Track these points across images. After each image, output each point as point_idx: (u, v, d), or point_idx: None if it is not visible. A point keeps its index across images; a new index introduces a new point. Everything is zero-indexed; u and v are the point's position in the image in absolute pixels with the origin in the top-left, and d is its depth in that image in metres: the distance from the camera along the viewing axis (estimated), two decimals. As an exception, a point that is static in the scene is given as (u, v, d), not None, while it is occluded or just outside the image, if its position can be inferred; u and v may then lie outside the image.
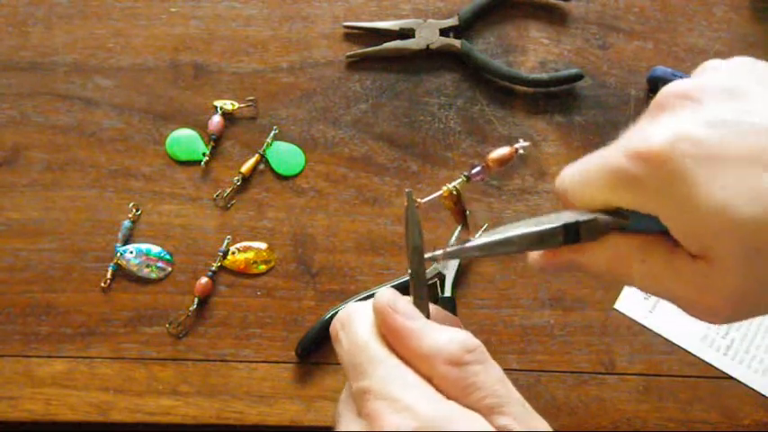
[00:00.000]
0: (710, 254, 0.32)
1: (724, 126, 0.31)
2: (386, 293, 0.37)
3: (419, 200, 0.41)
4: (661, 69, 0.68)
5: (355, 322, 0.37)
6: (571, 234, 0.36)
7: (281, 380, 0.64)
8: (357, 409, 0.35)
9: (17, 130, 0.67)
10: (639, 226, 0.36)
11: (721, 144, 0.31)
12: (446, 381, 0.34)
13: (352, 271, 0.65)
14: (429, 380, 0.34)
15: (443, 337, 0.35)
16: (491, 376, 0.34)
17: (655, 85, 0.68)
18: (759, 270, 0.31)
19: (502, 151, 0.50)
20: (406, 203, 0.39)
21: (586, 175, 0.36)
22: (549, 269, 0.38)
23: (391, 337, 0.36)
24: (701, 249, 0.32)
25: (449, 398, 0.34)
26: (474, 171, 0.50)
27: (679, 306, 0.35)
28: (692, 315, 0.35)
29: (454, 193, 0.46)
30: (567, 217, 0.37)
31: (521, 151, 0.48)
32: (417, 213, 0.39)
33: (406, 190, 0.40)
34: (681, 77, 0.67)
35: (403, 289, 0.64)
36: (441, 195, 0.47)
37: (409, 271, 0.39)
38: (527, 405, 0.35)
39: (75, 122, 0.67)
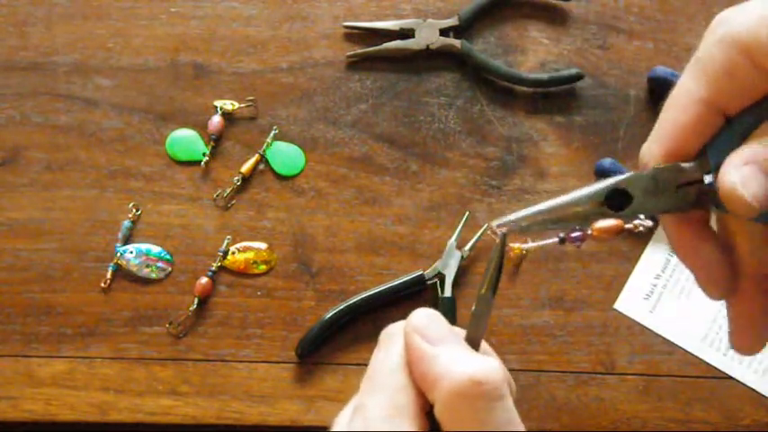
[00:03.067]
0: None
1: None
2: (420, 314, 0.36)
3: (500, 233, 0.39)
4: (661, 69, 0.68)
5: (392, 339, 0.36)
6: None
7: (281, 380, 0.64)
8: (349, 419, 0.34)
9: (17, 130, 0.67)
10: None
11: None
12: (444, 413, 0.33)
13: (352, 271, 0.65)
14: (434, 405, 0.33)
15: (458, 365, 0.33)
16: (494, 417, 0.32)
17: (655, 85, 0.68)
18: None
19: (608, 223, 0.46)
20: (498, 241, 0.36)
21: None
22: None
23: (409, 358, 0.34)
24: None
25: (448, 426, 0.32)
26: (573, 235, 0.45)
27: None
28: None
29: (524, 252, 0.42)
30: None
31: (640, 229, 0.43)
32: (503, 257, 0.37)
33: (493, 223, 0.36)
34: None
35: (402, 288, 0.64)
36: (511, 251, 0.43)
37: (473, 309, 0.37)
38: None
39: (75, 122, 0.67)
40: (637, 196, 0.35)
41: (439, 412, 0.33)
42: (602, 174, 0.66)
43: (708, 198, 0.35)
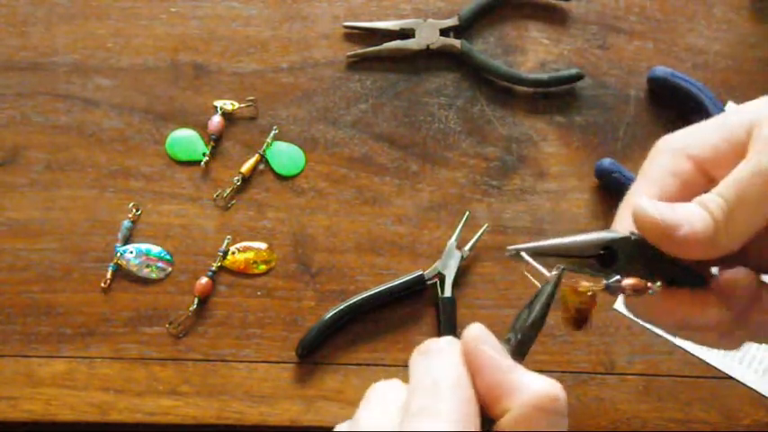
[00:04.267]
0: None
1: None
2: (480, 327, 0.35)
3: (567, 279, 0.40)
4: (661, 69, 0.68)
5: (454, 353, 0.35)
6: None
7: (281, 380, 0.64)
8: (402, 422, 0.33)
9: (17, 130, 0.67)
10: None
11: None
12: (520, 422, 0.32)
13: (352, 271, 0.65)
14: (502, 414, 0.33)
15: (533, 376, 0.34)
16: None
17: (655, 85, 0.68)
18: None
19: (633, 281, 0.45)
20: (554, 281, 0.38)
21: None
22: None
23: (476, 366, 0.34)
24: None
25: None
26: (617, 284, 0.44)
27: None
28: None
29: (593, 296, 0.41)
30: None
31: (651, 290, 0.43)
32: (554, 295, 0.38)
33: (561, 267, 0.39)
34: (681, 78, 0.67)
35: (402, 288, 0.64)
36: (581, 296, 0.43)
37: (518, 338, 0.38)
38: None
39: (75, 122, 0.67)
40: (621, 259, 0.37)
41: (509, 424, 0.32)
42: (601, 174, 0.66)
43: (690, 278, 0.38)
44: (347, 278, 0.65)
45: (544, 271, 0.37)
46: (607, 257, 0.37)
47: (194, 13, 0.70)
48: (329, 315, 0.63)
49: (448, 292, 0.64)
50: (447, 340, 0.35)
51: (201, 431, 0.63)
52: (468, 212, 0.66)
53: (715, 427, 0.63)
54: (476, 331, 0.35)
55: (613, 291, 0.39)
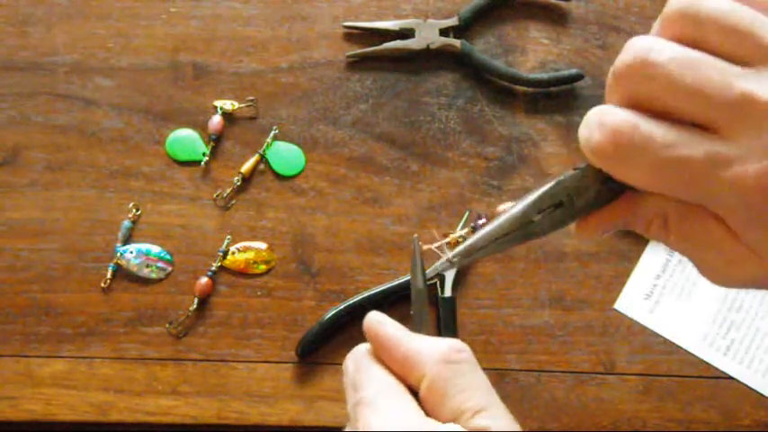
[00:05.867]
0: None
1: None
2: (373, 313, 0.38)
3: (424, 246, 0.42)
4: (661, 69, 0.68)
5: (359, 352, 0.38)
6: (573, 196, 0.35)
7: (281, 380, 0.64)
8: (349, 422, 0.36)
9: (17, 130, 0.67)
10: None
11: None
12: (435, 381, 0.35)
13: (352, 271, 0.65)
14: (419, 383, 0.35)
15: (433, 339, 0.36)
16: (478, 378, 0.35)
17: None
18: None
19: (507, 206, 0.48)
20: (416, 250, 0.40)
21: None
22: (600, 231, 0.37)
23: (382, 349, 0.37)
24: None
25: (435, 399, 0.35)
26: (480, 222, 0.49)
27: (701, 270, 0.35)
28: (713, 281, 0.35)
29: (460, 240, 0.45)
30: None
31: None
32: (422, 258, 0.40)
33: (414, 236, 0.40)
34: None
35: (402, 288, 0.64)
36: (447, 243, 0.46)
37: (412, 312, 0.40)
38: (509, 413, 0.35)
39: (75, 122, 0.67)
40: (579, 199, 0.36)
41: (427, 387, 0.35)
42: None
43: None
44: (347, 278, 0.65)
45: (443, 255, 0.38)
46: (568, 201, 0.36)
47: (194, 13, 0.70)
48: (329, 315, 0.63)
49: (448, 292, 0.64)
50: (355, 349, 0.39)
51: (201, 431, 0.63)
52: (468, 212, 0.66)
53: (715, 427, 0.63)
54: (374, 317, 0.38)
55: (479, 228, 0.42)
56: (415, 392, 0.36)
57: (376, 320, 0.38)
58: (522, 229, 0.37)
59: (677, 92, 0.31)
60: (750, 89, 0.30)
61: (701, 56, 0.31)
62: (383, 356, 0.37)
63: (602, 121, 0.32)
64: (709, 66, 0.31)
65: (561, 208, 0.36)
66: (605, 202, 0.36)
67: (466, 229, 0.44)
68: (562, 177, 0.36)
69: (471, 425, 0.33)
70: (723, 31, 0.31)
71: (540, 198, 0.37)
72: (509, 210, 0.37)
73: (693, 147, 0.31)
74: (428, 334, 0.38)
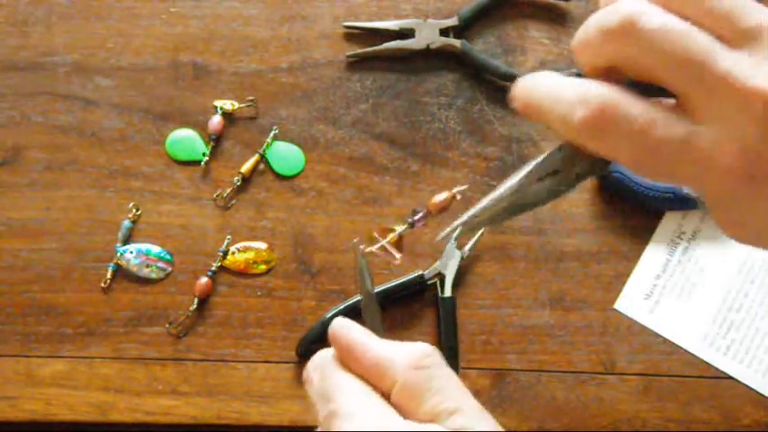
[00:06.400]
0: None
1: None
2: (339, 319, 0.38)
3: (366, 248, 0.42)
4: (661, 69, 0.68)
5: (326, 359, 0.38)
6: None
7: (281, 380, 0.64)
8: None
9: (17, 130, 0.67)
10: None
11: None
12: (407, 386, 0.34)
13: (352, 271, 0.65)
14: (389, 389, 0.35)
15: (400, 345, 0.36)
16: (450, 380, 0.35)
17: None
18: None
19: (441, 197, 0.48)
20: (359, 255, 0.40)
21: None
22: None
23: (349, 356, 0.37)
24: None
25: (409, 404, 0.34)
26: (416, 217, 0.48)
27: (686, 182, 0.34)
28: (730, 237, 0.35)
29: (396, 238, 0.45)
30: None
31: (458, 197, 0.47)
32: (366, 262, 0.40)
33: (354, 240, 0.41)
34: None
35: (402, 288, 0.64)
36: (388, 241, 0.46)
37: (363, 316, 0.41)
38: (484, 410, 0.35)
39: (75, 122, 0.67)
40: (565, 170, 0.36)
41: (399, 392, 0.35)
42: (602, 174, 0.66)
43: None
44: (347, 278, 0.65)
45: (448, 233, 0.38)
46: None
47: (194, 13, 0.70)
48: (329, 315, 0.63)
49: (448, 292, 0.64)
50: (318, 356, 0.39)
51: (201, 431, 0.63)
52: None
53: (715, 427, 0.63)
54: (340, 322, 0.38)
55: (418, 222, 0.42)
56: (385, 398, 0.35)
57: (342, 326, 0.38)
58: (521, 198, 0.37)
59: (665, 61, 0.31)
60: (731, 70, 0.30)
61: (692, 29, 0.31)
62: (351, 364, 0.37)
63: (586, 98, 0.32)
64: (698, 40, 0.31)
65: (558, 175, 0.36)
66: (601, 169, 0.36)
67: (404, 226, 0.44)
68: (559, 146, 0.36)
69: (448, 425, 0.33)
70: (706, 9, 0.31)
71: (538, 167, 0.36)
72: (508, 180, 0.37)
73: (671, 128, 0.31)
74: (382, 337, 0.38)
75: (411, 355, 0.35)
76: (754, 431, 0.63)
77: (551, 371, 0.64)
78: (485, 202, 0.38)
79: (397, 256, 0.39)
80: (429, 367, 0.35)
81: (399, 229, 0.43)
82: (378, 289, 0.64)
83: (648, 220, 0.67)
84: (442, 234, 0.38)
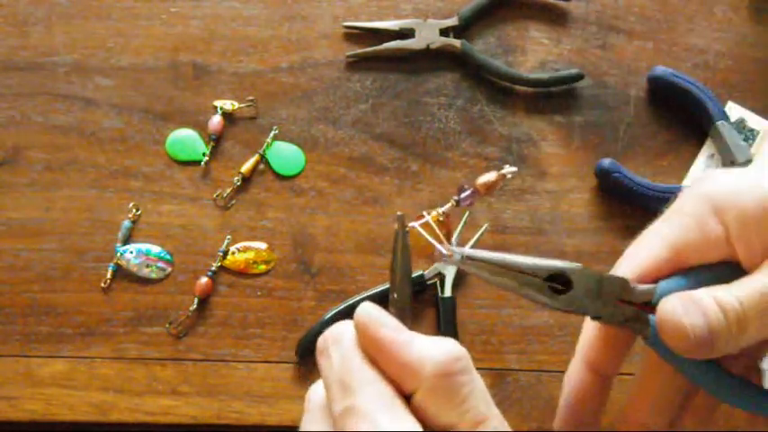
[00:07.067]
0: None
1: None
2: (368, 307, 0.36)
3: (410, 224, 0.40)
4: (661, 69, 0.68)
5: (349, 340, 0.36)
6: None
7: (281, 380, 0.64)
8: (335, 424, 0.34)
9: (17, 130, 0.67)
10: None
11: None
12: (433, 392, 0.34)
13: (352, 271, 0.65)
14: (413, 390, 0.34)
15: (431, 345, 0.34)
16: (477, 389, 0.34)
17: (655, 85, 0.68)
18: None
19: (489, 176, 0.48)
20: (396, 227, 0.38)
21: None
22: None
23: (376, 351, 0.35)
24: None
25: (433, 409, 0.34)
26: (463, 195, 0.48)
27: None
28: None
29: (441, 219, 0.44)
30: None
31: (508, 176, 0.46)
32: (408, 238, 0.38)
33: (398, 213, 0.38)
34: (681, 77, 0.67)
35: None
36: (427, 220, 0.45)
37: (395, 296, 0.38)
38: (505, 422, 0.34)
39: (75, 122, 0.67)
40: (577, 289, 0.38)
41: (424, 397, 0.34)
42: (601, 174, 0.66)
43: (639, 325, 0.39)
44: (347, 278, 0.65)
45: (489, 278, 0.38)
46: (560, 283, 0.38)
47: (194, 13, 0.70)
48: (329, 315, 0.63)
49: (448, 292, 0.64)
50: (339, 331, 0.36)
51: (201, 431, 0.63)
52: (468, 212, 0.66)
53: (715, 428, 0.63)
54: (368, 311, 0.36)
55: (464, 200, 0.41)
56: (406, 396, 0.34)
57: (371, 317, 0.35)
58: (525, 281, 0.38)
59: None
60: None
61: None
62: (378, 358, 0.35)
63: (705, 311, 0.36)
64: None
65: (566, 293, 0.38)
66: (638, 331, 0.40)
67: (450, 203, 0.43)
68: (579, 269, 0.39)
69: None
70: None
71: (555, 268, 0.38)
72: (530, 257, 0.38)
73: None
74: (410, 322, 0.37)
75: (441, 360, 0.34)
76: (753, 431, 0.63)
77: (551, 371, 0.64)
78: (503, 256, 0.38)
79: (444, 251, 0.38)
80: (458, 374, 0.34)
81: (445, 207, 0.42)
82: (378, 289, 0.64)
83: (648, 220, 0.66)
84: (461, 251, 0.38)
